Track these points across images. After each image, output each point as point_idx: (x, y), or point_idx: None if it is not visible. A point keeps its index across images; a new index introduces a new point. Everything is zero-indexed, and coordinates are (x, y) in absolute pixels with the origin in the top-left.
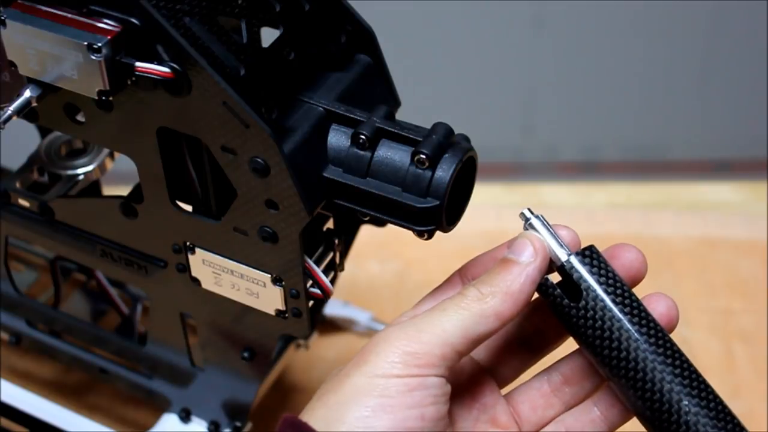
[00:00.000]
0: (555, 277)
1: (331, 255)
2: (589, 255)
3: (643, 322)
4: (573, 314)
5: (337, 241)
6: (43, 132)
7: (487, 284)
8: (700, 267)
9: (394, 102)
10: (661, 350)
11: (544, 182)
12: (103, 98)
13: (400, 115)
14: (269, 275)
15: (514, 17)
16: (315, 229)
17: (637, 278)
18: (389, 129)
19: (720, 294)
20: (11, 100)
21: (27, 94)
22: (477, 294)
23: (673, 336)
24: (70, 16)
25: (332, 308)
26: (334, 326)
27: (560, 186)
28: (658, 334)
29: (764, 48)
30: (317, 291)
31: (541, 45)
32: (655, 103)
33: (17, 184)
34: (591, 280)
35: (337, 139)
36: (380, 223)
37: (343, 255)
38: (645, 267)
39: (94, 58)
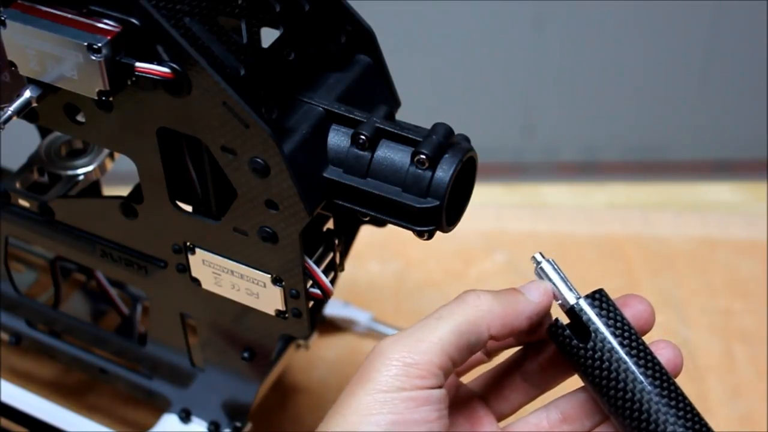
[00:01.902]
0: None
1: (331, 255)
2: (599, 298)
3: (649, 365)
4: (581, 354)
5: (337, 242)
6: (43, 132)
7: (490, 298)
8: (700, 267)
9: (394, 102)
10: (665, 393)
11: (544, 182)
12: (103, 98)
13: (400, 115)
14: (269, 275)
15: (514, 17)
16: (315, 230)
17: (644, 329)
18: (389, 129)
19: (720, 294)
20: (11, 101)
21: (27, 94)
22: (476, 301)
23: (674, 337)
24: (70, 16)
25: (332, 308)
26: (334, 326)
27: (560, 186)
28: (663, 377)
29: (764, 48)
30: (317, 291)
31: (541, 45)
32: (655, 103)
33: (17, 185)
34: (599, 323)
35: (337, 139)
36: (380, 224)
37: (343, 255)
38: (653, 319)
39: (94, 58)
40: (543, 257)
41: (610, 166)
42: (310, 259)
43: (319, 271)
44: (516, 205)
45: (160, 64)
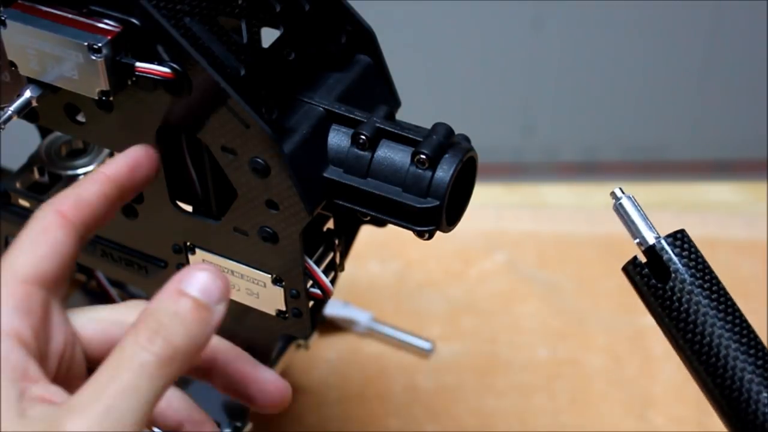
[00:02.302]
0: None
1: (331, 255)
2: (680, 239)
3: (729, 310)
4: (659, 295)
5: (337, 242)
6: (43, 132)
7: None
8: None
9: (394, 102)
10: (744, 340)
11: (544, 182)
12: (104, 98)
13: (400, 115)
14: (269, 275)
15: (514, 18)
16: (315, 230)
17: None
18: (389, 129)
19: None
20: (11, 101)
21: (27, 94)
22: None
23: None
24: (70, 16)
25: (332, 308)
26: (334, 326)
27: (560, 186)
28: (742, 325)
29: (764, 48)
30: (317, 291)
31: (541, 45)
32: (655, 103)
33: (17, 185)
34: (679, 264)
35: (338, 139)
36: (380, 224)
37: (344, 255)
38: None
39: (94, 58)
40: (623, 192)
41: (610, 166)
42: (311, 259)
43: (319, 271)
44: (516, 205)
45: (160, 64)
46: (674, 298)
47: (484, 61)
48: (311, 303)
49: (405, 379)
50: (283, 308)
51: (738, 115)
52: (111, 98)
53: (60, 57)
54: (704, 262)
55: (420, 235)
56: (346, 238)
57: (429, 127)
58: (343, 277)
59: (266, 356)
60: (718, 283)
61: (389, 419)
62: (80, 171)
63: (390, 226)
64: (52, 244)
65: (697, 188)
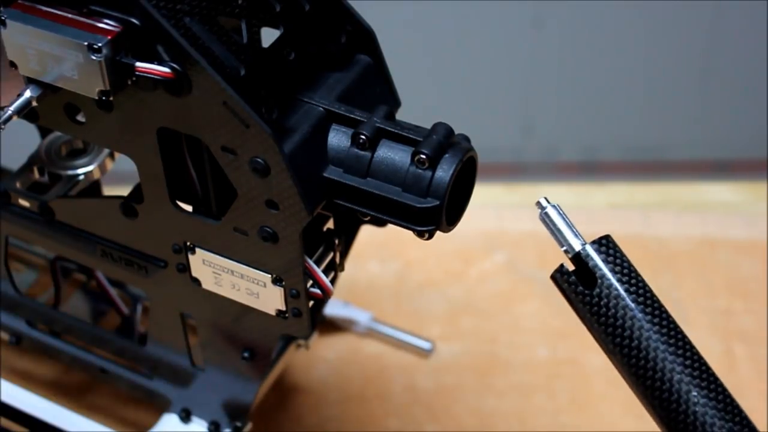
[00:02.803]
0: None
1: (331, 255)
2: (605, 244)
3: (656, 312)
4: (587, 302)
5: (337, 241)
6: (43, 132)
7: None
8: (700, 267)
9: (394, 102)
10: (672, 341)
11: (544, 182)
12: (104, 98)
13: (400, 115)
14: (269, 275)
15: (514, 17)
16: (315, 229)
17: None
18: (389, 129)
19: (720, 294)
20: (11, 101)
21: (27, 94)
22: None
23: None
24: (70, 16)
25: (332, 308)
26: (334, 326)
27: (560, 186)
28: (670, 325)
29: (764, 48)
30: (317, 291)
31: (541, 45)
32: (655, 103)
33: (17, 184)
34: (605, 269)
35: (338, 139)
36: (380, 223)
37: (344, 255)
38: None
39: (94, 58)
40: (548, 202)
41: (610, 166)
42: (311, 259)
43: (319, 271)
44: (516, 205)
45: (160, 64)
46: (602, 303)
47: (484, 61)
48: (311, 303)
49: (405, 379)
50: (283, 308)
51: (738, 115)
52: (111, 98)
53: (60, 57)
54: (630, 266)
55: (420, 235)
56: (346, 238)
57: (429, 127)
58: (343, 277)
59: (266, 356)
60: (645, 286)
61: (389, 419)
62: (80, 171)
63: (390, 226)
64: None
65: (697, 188)
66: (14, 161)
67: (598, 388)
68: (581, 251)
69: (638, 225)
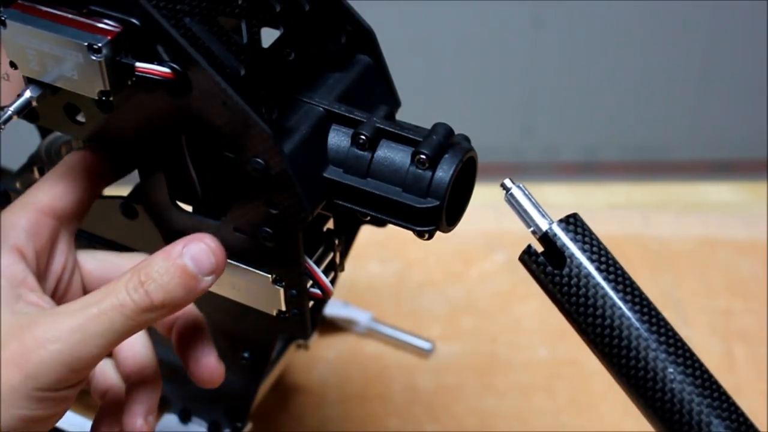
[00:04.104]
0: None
1: (331, 255)
2: (573, 223)
3: (628, 290)
4: (556, 282)
5: (337, 242)
6: (43, 132)
7: (150, 285)
8: (700, 267)
9: (394, 102)
10: (645, 317)
11: (544, 182)
12: (104, 98)
13: (400, 115)
14: (269, 275)
15: (514, 17)
16: (315, 230)
17: None
18: (389, 129)
19: (720, 294)
20: (11, 101)
21: (27, 94)
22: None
23: None
24: (70, 16)
25: (332, 308)
26: (334, 326)
27: (560, 186)
28: (643, 302)
29: (764, 48)
30: (317, 291)
31: (541, 45)
32: (655, 103)
33: (17, 184)
34: (574, 248)
35: (338, 139)
36: (380, 224)
37: (343, 255)
38: None
39: (94, 58)
40: (513, 182)
41: (610, 166)
42: (310, 259)
43: (319, 271)
44: None
45: (160, 64)
46: (572, 282)
47: (484, 61)
48: (311, 303)
49: (405, 379)
50: (283, 308)
51: (737, 115)
52: (111, 98)
53: (60, 57)
54: (599, 243)
55: (420, 235)
56: (346, 238)
57: (429, 127)
58: (343, 277)
59: (266, 356)
60: (616, 263)
61: (389, 419)
62: None
63: (390, 226)
64: (70, 184)
65: (697, 188)
66: (14, 161)
67: (598, 388)
68: (548, 230)
69: (638, 225)
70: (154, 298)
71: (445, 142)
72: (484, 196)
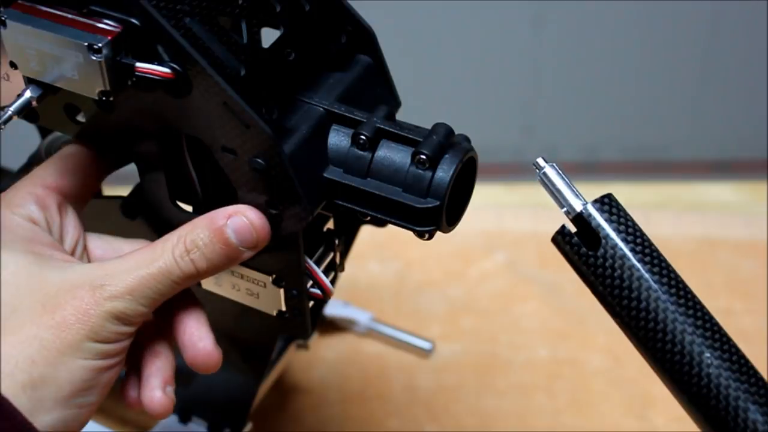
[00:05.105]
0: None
1: (331, 255)
2: (608, 203)
3: (664, 272)
4: (591, 263)
5: (337, 242)
6: (43, 132)
7: (193, 251)
8: (700, 267)
9: (394, 102)
10: (682, 301)
11: None
12: (104, 98)
13: (400, 115)
14: (269, 276)
15: (514, 17)
16: (315, 230)
17: None
18: (389, 129)
19: (720, 294)
20: (11, 101)
21: (27, 94)
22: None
23: None
24: (70, 16)
25: (332, 308)
26: (334, 326)
27: None
28: (679, 285)
29: (764, 48)
30: (317, 291)
31: (541, 45)
32: (655, 103)
33: None
34: (609, 229)
35: (338, 139)
36: (380, 224)
37: (344, 255)
38: None
39: (94, 58)
40: (546, 162)
41: (610, 166)
42: (311, 259)
43: (319, 271)
44: (516, 205)
45: (160, 64)
46: (606, 264)
47: (484, 61)
48: (311, 303)
49: (405, 379)
50: (283, 308)
51: (737, 115)
52: (111, 98)
53: (60, 57)
54: (635, 225)
55: (420, 235)
56: (346, 238)
57: (429, 127)
58: (343, 277)
59: (266, 356)
60: (651, 245)
61: (389, 419)
62: None
63: (390, 226)
64: (72, 168)
65: (697, 188)
66: (14, 161)
67: (598, 388)
68: (583, 211)
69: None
70: (198, 267)
71: (445, 142)
72: (484, 196)
